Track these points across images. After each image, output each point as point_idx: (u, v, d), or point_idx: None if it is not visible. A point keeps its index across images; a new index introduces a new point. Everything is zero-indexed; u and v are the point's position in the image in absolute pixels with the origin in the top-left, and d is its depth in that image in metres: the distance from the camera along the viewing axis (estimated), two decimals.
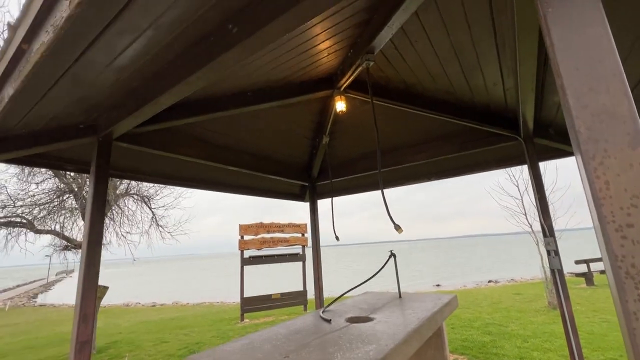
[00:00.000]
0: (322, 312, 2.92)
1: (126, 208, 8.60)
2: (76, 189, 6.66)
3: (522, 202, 7.46)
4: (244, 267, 8.65)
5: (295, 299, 9.07)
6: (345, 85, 3.05)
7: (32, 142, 2.38)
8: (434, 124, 3.74)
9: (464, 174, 4.08)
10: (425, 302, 2.98)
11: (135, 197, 8.50)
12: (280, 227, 9.36)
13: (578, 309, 6.58)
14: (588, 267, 9.84)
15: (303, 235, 9.71)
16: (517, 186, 7.60)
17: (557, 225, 7.03)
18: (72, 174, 6.97)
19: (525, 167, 7.97)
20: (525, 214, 7.37)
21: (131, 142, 2.77)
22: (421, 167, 4.19)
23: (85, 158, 2.92)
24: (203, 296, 18.98)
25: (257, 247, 8.90)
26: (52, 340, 7.96)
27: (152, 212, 9.02)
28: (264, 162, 4.14)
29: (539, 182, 3.26)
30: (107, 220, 7.75)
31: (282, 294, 9.05)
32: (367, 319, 2.57)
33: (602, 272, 10.36)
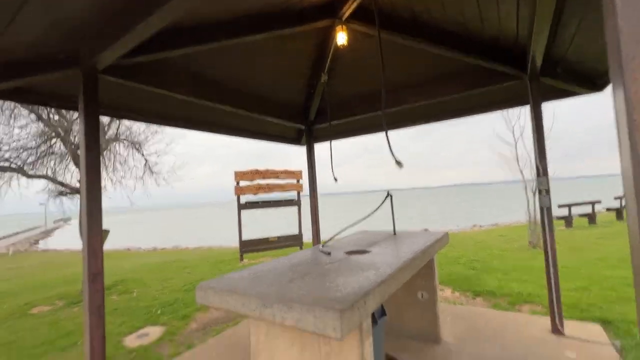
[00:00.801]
0: (322, 247, 3.08)
1: (118, 155, 8.46)
2: (63, 134, 6.43)
3: (516, 148, 7.54)
4: (241, 211, 8.89)
5: (291, 241, 9.52)
6: (347, 14, 2.80)
7: (10, 73, 2.20)
8: (438, 62, 3.56)
9: (466, 115, 4.01)
10: (418, 238, 3.14)
11: (126, 142, 8.30)
12: (275, 174, 9.42)
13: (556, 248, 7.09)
14: (569, 210, 10.38)
15: (298, 181, 9.84)
16: (513, 132, 7.60)
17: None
18: (56, 117, 6.67)
19: (523, 114, 7.90)
20: (518, 160, 7.51)
21: (119, 76, 2.59)
22: (422, 108, 4.09)
23: (70, 93, 2.75)
24: (202, 241, 19.76)
25: (253, 192, 9.04)
26: (61, 281, 8.37)
27: (145, 158, 8.91)
28: (259, 102, 3.98)
29: (540, 123, 3.24)
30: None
31: (279, 237, 9.47)
32: (364, 252, 2.72)
33: (582, 215, 10.97)
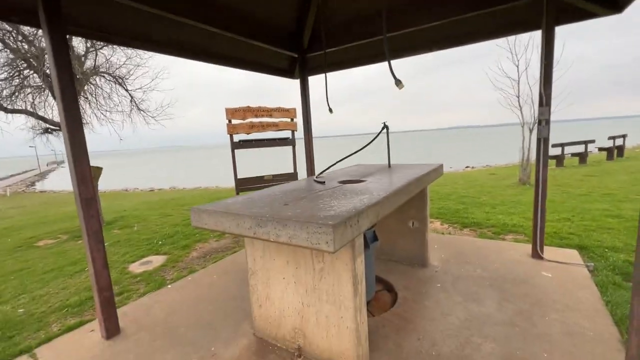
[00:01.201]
0: (316, 177, 3.08)
1: (100, 90, 7.98)
2: (35, 64, 5.94)
3: (519, 84, 7.23)
4: (235, 150, 8.79)
5: (286, 179, 9.63)
6: None
7: None
8: None
9: (472, 42, 3.71)
10: (413, 169, 3.14)
11: (107, 77, 7.77)
12: (268, 112, 9.09)
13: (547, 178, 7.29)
14: (562, 150, 10.46)
15: (292, 120, 9.56)
16: (517, 65, 7.21)
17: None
18: (26, 46, 6.09)
19: (530, 45, 7.39)
20: (519, 96, 7.26)
21: None
22: (426, 33, 3.76)
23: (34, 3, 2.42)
24: (198, 182, 19.96)
25: (246, 131, 8.82)
26: (62, 217, 8.57)
27: (130, 94, 8.45)
28: (248, 24, 3.60)
29: (550, 48, 3.01)
30: (82, 102, 7.27)
31: (274, 176, 9.55)
32: (359, 181, 2.73)
33: (575, 154, 11.10)
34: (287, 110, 9.55)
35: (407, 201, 3.23)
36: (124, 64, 7.79)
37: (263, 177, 9.48)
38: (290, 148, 9.91)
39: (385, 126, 3.28)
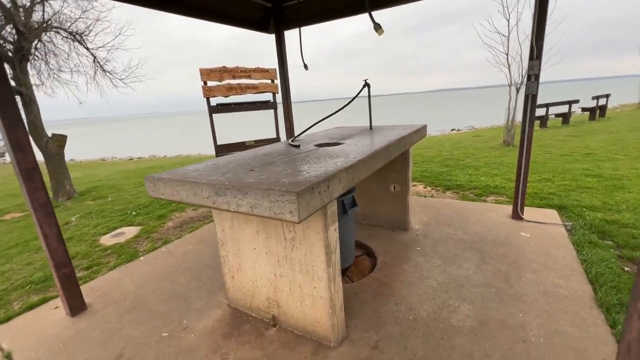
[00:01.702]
0: (291, 141, 2.87)
1: (57, 49, 7.19)
2: None
3: (508, 40, 6.92)
4: (213, 115, 8.33)
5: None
6: None
7: None
8: None
9: None
10: (395, 130, 2.96)
11: (63, 33, 6.96)
12: (246, 72, 8.50)
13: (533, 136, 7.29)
14: (547, 110, 10.43)
15: (273, 81, 9.03)
16: (508, 19, 6.84)
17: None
18: None
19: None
20: (507, 53, 6.98)
21: None
22: None
23: None
24: (180, 149, 19.28)
25: (224, 94, 8.29)
26: None
27: (92, 53, 7.68)
28: None
29: None
30: (36, 63, 6.56)
31: (256, 141, 9.22)
32: (336, 144, 2.54)
33: (558, 115, 11.11)
34: (267, 70, 8.97)
35: (388, 164, 3.10)
36: (79, 17, 6.97)
37: (245, 142, 9.15)
38: (272, 112, 9.51)
39: (367, 84, 3.03)
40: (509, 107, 7.36)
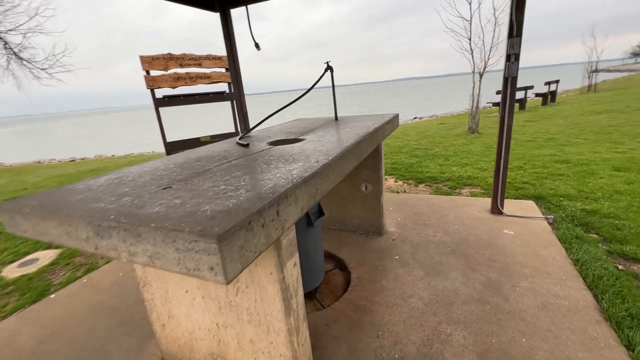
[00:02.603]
0: (239, 139, 2.33)
1: None
2: None
3: (471, 24, 6.77)
4: (159, 109, 7.38)
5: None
6: None
7: None
8: None
9: None
10: (364, 121, 2.53)
11: None
12: (196, 60, 7.62)
13: (493, 132, 7.30)
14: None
15: (227, 70, 8.23)
16: (470, 2, 6.68)
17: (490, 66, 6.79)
18: None
19: None
20: (470, 38, 6.84)
21: None
22: None
23: None
24: (131, 147, 17.58)
25: (171, 85, 7.36)
26: None
27: (2, 39, 6.40)
28: None
29: None
30: None
31: (212, 137, 8.40)
32: (295, 141, 2.04)
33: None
34: (220, 58, 8.14)
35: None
36: None
37: (199, 139, 8.29)
38: (229, 104, 8.72)
39: (329, 67, 2.55)
40: (472, 94, 7.29)
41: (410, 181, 4.38)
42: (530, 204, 3.22)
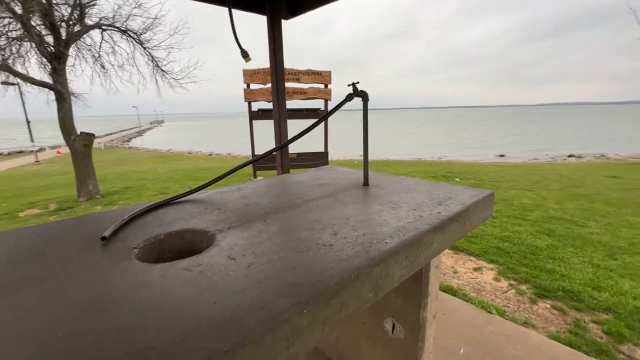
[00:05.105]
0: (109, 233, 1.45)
1: (117, 47, 7.36)
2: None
3: None
4: (253, 121, 7.48)
5: (316, 159, 8.05)
6: None
7: None
8: None
9: None
10: (419, 194, 1.26)
11: (113, 30, 7.00)
12: (295, 75, 7.40)
13: None
14: None
15: (326, 86, 7.73)
16: None
17: None
18: None
19: None
20: None
21: None
22: None
23: None
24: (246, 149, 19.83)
25: (267, 98, 7.36)
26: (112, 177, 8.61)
27: (150, 54, 7.66)
28: None
29: None
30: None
31: (299, 154, 8.05)
32: (196, 251, 1.01)
33: None
34: (320, 73, 7.72)
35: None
36: (130, 16, 6.90)
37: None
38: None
39: (358, 92, 1.36)
40: None
41: (522, 286, 2.59)
42: None
